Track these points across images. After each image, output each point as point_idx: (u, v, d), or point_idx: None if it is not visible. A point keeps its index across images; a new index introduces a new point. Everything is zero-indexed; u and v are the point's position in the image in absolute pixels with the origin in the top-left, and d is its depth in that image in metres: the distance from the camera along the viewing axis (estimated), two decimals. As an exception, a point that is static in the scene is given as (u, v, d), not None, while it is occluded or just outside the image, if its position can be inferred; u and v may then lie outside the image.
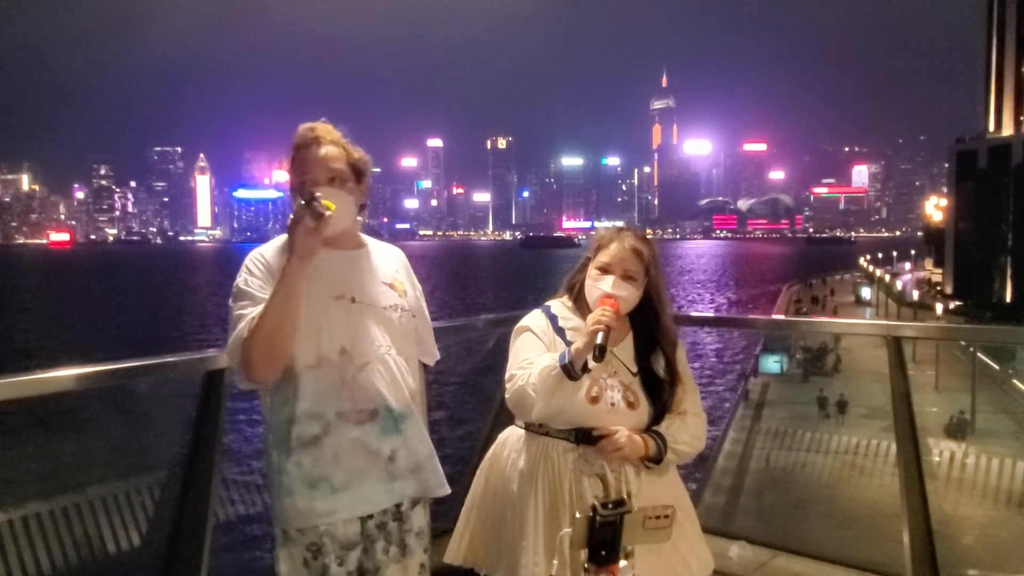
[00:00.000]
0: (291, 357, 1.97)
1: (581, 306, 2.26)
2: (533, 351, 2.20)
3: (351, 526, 2.01)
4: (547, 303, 2.35)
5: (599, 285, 2.18)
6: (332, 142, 2.08)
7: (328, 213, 1.91)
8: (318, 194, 1.93)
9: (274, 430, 2.04)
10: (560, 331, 2.24)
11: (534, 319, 2.29)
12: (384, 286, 2.14)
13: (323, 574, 1.97)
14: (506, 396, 2.21)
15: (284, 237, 2.05)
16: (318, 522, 1.97)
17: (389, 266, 2.21)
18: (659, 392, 2.21)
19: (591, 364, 2.04)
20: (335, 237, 2.02)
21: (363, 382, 2.02)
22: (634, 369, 2.22)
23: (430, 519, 2.23)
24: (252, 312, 1.93)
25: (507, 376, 2.20)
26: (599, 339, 1.99)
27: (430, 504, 2.23)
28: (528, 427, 2.24)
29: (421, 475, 2.12)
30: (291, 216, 1.93)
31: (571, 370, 2.04)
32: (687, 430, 2.21)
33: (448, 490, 2.19)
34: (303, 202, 1.91)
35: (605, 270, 2.21)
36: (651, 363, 2.24)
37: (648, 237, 2.32)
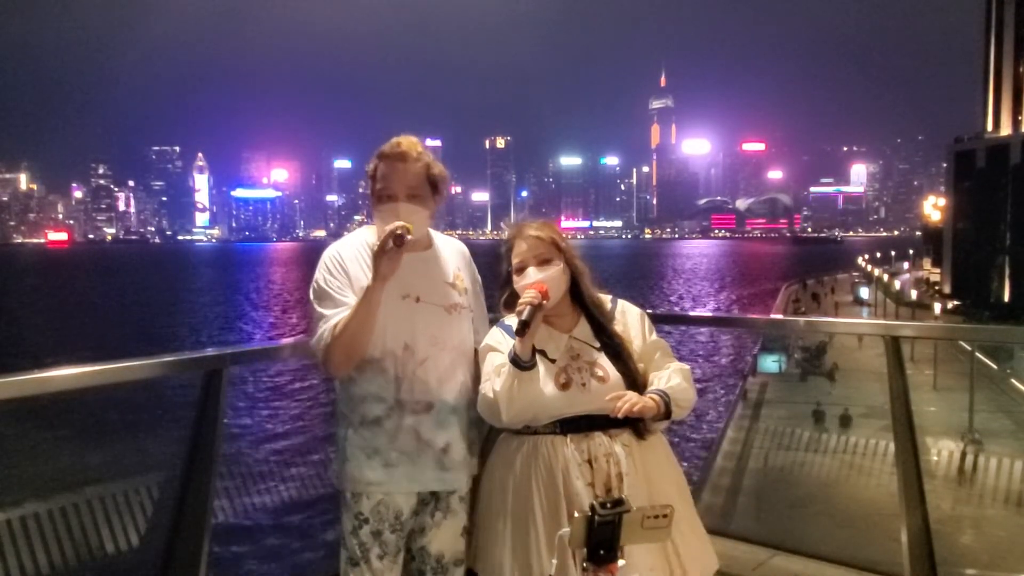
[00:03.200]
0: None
1: None
2: (494, 364, 2.25)
3: (408, 500, 2.23)
4: (502, 318, 2.41)
5: (523, 282, 2.27)
6: (416, 158, 2.25)
7: (410, 237, 2.09)
8: (401, 224, 2.07)
9: (344, 404, 2.28)
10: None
11: (492, 335, 2.35)
12: (446, 286, 2.33)
13: (371, 540, 2.19)
14: (478, 408, 2.27)
15: (358, 235, 2.32)
16: (367, 490, 2.20)
17: (451, 264, 2.39)
18: (626, 361, 2.27)
19: (550, 354, 2.15)
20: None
21: (422, 376, 2.23)
22: (596, 345, 2.29)
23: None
24: (334, 317, 2.15)
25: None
26: (524, 315, 2.09)
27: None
28: (519, 431, 2.27)
29: (469, 468, 2.32)
30: (377, 243, 2.09)
31: (519, 361, 2.13)
32: (677, 377, 2.27)
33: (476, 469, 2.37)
34: (392, 236, 2.05)
35: (522, 268, 2.31)
36: (610, 335, 2.31)
37: (546, 220, 2.42)
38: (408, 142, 2.25)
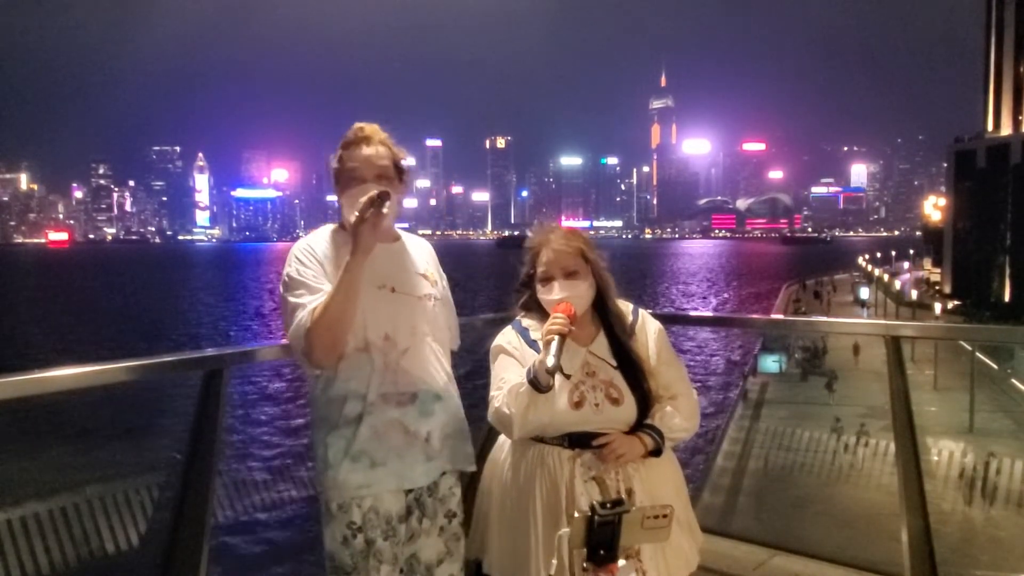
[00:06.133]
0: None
1: (544, 315, 2.25)
2: (508, 370, 2.21)
3: (397, 500, 2.15)
4: (518, 317, 2.36)
5: (549, 296, 2.21)
6: (380, 142, 2.24)
7: (385, 210, 2.05)
8: (377, 191, 2.05)
9: (321, 407, 2.18)
10: (533, 343, 2.24)
11: (505, 336, 2.31)
12: (419, 276, 2.29)
13: (366, 549, 2.10)
14: (488, 417, 2.23)
15: (326, 229, 2.28)
16: (355, 494, 2.10)
17: (421, 258, 2.36)
18: (643, 382, 2.22)
19: (565, 369, 2.06)
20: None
21: (405, 366, 2.17)
22: (614, 363, 2.23)
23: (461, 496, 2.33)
24: (312, 302, 2.08)
25: (489, 398, 2.23)
26: (552, 350, 2.01)
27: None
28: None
29: (453, 449, 2.25)
30: (355, 215, 2.04)
31: (538, 384, 2.07)
32: (678, 414, 2.22)
33: (474, 466, 2.33)
34: (375, 199, 2.03)
35: (547, 279, 2.24)
36: (629, 352, 2.25)
37: (574, 228, 2.35)
38: (371, 127, 2.26)
